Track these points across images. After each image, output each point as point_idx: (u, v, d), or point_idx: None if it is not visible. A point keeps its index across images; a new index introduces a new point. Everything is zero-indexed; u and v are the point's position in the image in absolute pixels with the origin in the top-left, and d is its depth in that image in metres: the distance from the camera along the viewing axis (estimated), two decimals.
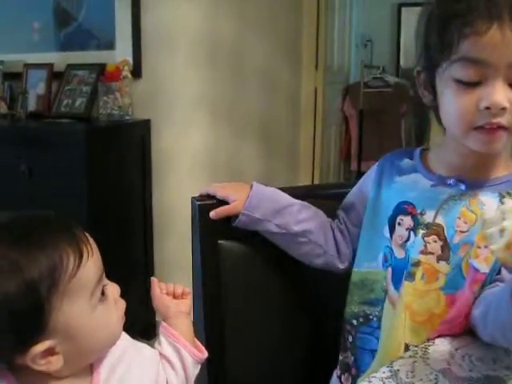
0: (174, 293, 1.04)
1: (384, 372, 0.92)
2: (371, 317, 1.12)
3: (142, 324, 2.46)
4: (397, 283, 1.08)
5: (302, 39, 3.62)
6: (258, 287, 1.24)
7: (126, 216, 2.83)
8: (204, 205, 1.18)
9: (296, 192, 1.23)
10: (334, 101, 4.39)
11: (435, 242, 1.05)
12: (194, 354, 0.98)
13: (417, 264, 1.06)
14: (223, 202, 1.19)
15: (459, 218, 1.03)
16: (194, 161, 2.91)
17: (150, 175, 2.91)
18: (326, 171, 4.18)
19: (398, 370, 0.92)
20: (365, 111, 4.50)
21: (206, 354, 1.01)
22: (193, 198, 1.20)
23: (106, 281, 0.86)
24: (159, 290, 1.04)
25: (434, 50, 1.01)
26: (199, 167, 2.92)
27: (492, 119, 0.96)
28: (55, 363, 0.80)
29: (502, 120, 0.96)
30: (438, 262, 1.05)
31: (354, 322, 1.14)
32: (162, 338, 0.98)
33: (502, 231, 0.78)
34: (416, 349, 0.99)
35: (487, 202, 1.03)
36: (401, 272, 1.07)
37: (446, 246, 1.04)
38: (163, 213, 2.95)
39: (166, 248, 2.98)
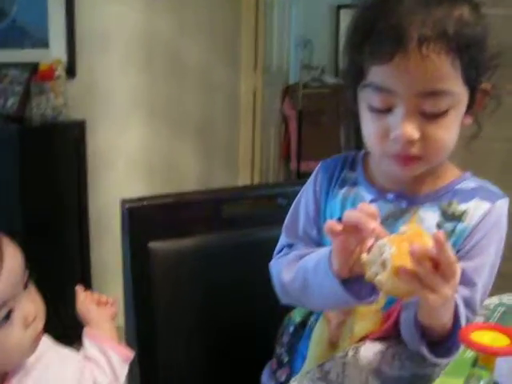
0: (99, 301, 1.03)
1: (314, 373, 0.92)
2: (306, 325, 1.12)
3: (79, 330, 2.41)
4: None
5: (240, 39, 3.62)
6: (187, 287, 1.24)
7: (62, 218, 2.77)
8: (133, 207, 1.17)
9: (235, 192, 1.22)
10: (273, 101, 4.40)
11: None
12: (121, 353, 0.97)
13: None
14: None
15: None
16: (131, 161, 2.87)
17: (85, 176, 2.86)
18: (266, 171, 4.19)
19: (329, 372, 0.92)
20: (304, 112, 4.52)
21: (132, 354, 1.00)
22: (122, 200, 1.18)
23: (18, 302, 0.82)
24: (83, 297, 1.02)
25: (350, 71, 0.99)
26: (136, 168, 2.89)
27: (399, 150, 0.93)
28: None
29: (414, 150, 0.93)
30: None
31: (291, 328, 1.15)
32: (85, 342, 0.97)
33: (383, 264, 0.79)
34: (347, 350, 0.99)
35: (427, 217, 1.00)
36: None
37: None
38: (100, 215, 2.90)
39: (102, 250, 2.92)
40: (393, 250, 0.78)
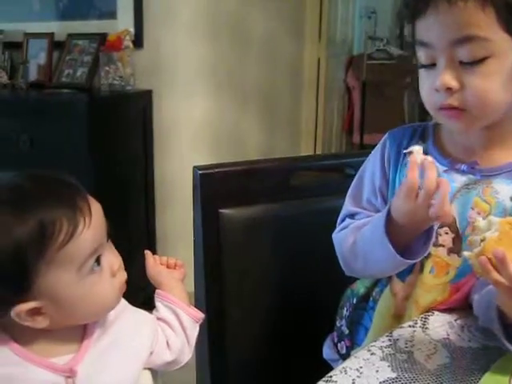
0: (168, 264, 1.05)
1: (383, 341, 0.92)
2: (369, 297, 1.13)
3: (144, 294, 2.47)
4: (402, 273, 1.05)
5: (305, 10, 3.58)
6: (258, 255, 1.25)
7: (128, 187, 2.83)
8: (205, 174, 1.18)
9: (304, 161, 1.23)
10: (336, 73, 4.36)
11: (447, 233, 1.01)
12: (192, 315, 0.99)
13: (426, 256, 1.01)
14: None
15: (472, 208, 0.99)
16: (196, 131, 2.90)
17: (152, 146, 2.91)
18: (328, 143, 4.17)
19: (398, 340, 0.92)
20: (368, 83, 4.47)
21: (202, 314, 1.01)
22: (194, 167, 1.20)
23: (104, 251, 0.85)
24: (152, 261, 1.04)
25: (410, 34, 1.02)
26: (201, 137, 2.91)
27: (443, 101, 0.95)
28: (40, 322, 0.80)
29: (453, 101, 0.94)
30: (448, 254, 1.02)
31: (354, 300, 1.15)
32: (158, 304, 0.99)
33: (482, 241, 0.79)
34: (416, 319, 0.99)
35: (501, 189, 0.98)
36: None
37: (457, 239, 1.01)
38: (165, 183, 2.95)
39: (167, 218, 2.98)
40: (495, 234, 0.78)
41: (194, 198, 1.20)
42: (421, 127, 1.11)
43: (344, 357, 1.16)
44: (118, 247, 0.89)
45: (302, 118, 3.69)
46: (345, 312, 1.18)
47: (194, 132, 2.90)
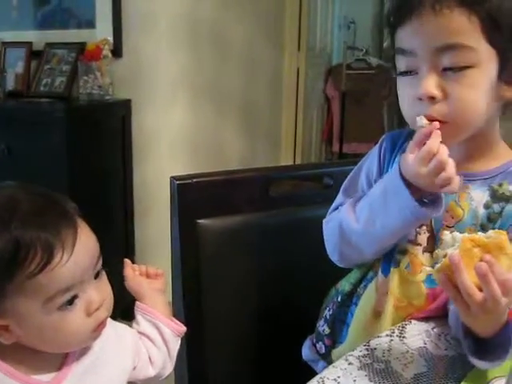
0: (147, 273, 1.02)
1: (361, 350, 0.93)
2: (354, 293, 1.13)
3: (123, 305, 2.46)
4: (385, 268, 1.06)
5: (284, 20, 3.60)
6: (236, 264, 1.25)
7: (107, 196, 2.82)
8: (183, 184, 1.18)
9: (282, 171, 1.23)
10: (316, 82, 4.39)
11: (424, 233, 1.03)
12: (174, 328, 0.98)
13: (403, 252, 1.04)
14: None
15: (447, 211, 1.00)
16: (175, 140, 2.90)
17: (131, 155, 2.90)
18: (308, 152, 4.18)
19: (375, 349, 0.93)
20: (347, 93, 4.50)
21: (184, 328, 1.00)
22: (172, 177, 1.20)
23: (85, 289, 0.80)
24: (132, 271, 1.01)
25: (390, 45, 1.03)
26: (180, 147, 2.91)
27: (425, 111, 0.95)
28: (6, 339, 0.78)
29: (434, 112, 0.94)
30: (423, 253, 1.03)
31: (338, 298, 1.15)
32: (138, 317, 0.97)
33: (444, 256, 0.80)
34: (393, 328, 1.00)
35: (476, 196, 1.00)
36: (390, 257, 1.06)
37: (432, 239, 1.03)
38: (144, 192, 2.94)
39: (146, 228, 2.97)
40: (456, 251, 0.78)
41: (172, 208, 1.19)
42: (410, 132, 1.10)
43: (324, 356, 1.17)
44: None
45: (281, 127, 3.70)
46: (326, 312, 1.18)
47: (173, 141, 2.89)
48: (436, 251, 0.85)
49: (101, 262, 0.84)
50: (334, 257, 1.12)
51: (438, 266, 0.80)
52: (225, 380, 1.28)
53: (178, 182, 1.18)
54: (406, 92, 0.99)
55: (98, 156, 2.73)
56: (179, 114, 2.88)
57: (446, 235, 0.83)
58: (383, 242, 1.04)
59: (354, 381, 0.84)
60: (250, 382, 1.30)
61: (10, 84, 2.98)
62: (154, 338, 0.96)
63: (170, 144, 2.89)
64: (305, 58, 3.78)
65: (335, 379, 0.84)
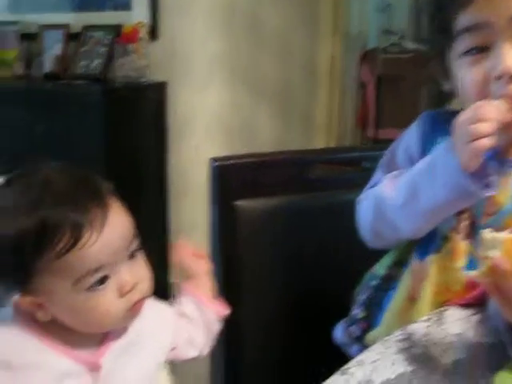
0: (196, 254, 1.02)
1: (398, 335, 0.92)
2: (391, 277, 1.12)
3: (157, 285, 2.48)
4: (422, 253, 1.05)
5: (319, 4, 3.56)
6: (271, 245, 1.25)
7: (142, 178, 2.84)
8: (222, 165, 1.18)
9: (321, 154, 1.22)
10: (351, 67, 4.34)
11: (466, 220, 1.00)
12: (216, 311, 0.98)
13: (443, 239, 1.02)
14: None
15: (488, 199, 0.96)
16: (211, 123, 2.90)
17: (166, 138, 2.91)
18: (342, 138, 4.14)
19: (413, 334, 0.92)
20: (383, 78, 4.45)
21: (226, 311, 1.01)
22: (211, 158, 1.20)
23: (117, 270, 0.81)
24: (182, 250, 1.01)
25: (437, 32, 0.97)
26: (215, 129, 2.91)
27: (502, 90, 0.87)
28: (41, 317, 0.80)
29: None
30: (464, 240, 1.01)
31: (374, 282, 1.15)
32: (182, 298, 0.98)
33: (486, 258, 0.76)
34: (431, 314, 0.99)
35: None
36: (428, 243, 1.04)
37: (473, 226, 1.00)
38: (179, 175, 2.95)
39: (182, 211, 2.98)
40: (499, 254, 0.75)
41: (210, 189, 1.19)
42: (451, 113, 1.05)
43: (357, 340, 1.16)
44: None
45: (316, 112, 3.67)
46: (361, 296, 1.17)
47: (207, 124, 2.90)
48: (479, 252, 0.80)
49: (136, 243, 0.85)
50: (366, 236, 1.10)
51: (481, 269, 0.77)
52: (258, 359, 1.28)
53: (216, 164, 1.18)
54: (473, 73, 0.91)
55: (133, 138, 2.75)
56: (215, 97, 2.87)
57: (487, 234, 0.79)
58: (424, 218, 1.00)
59: (393, 364, 0.83)
60: (283, 360, 1.30)
61: (48, 66, 3.00)
62: (196, 320, 0.96)
63: (206, 126, 2.89)
64: (340, 41, 3.73)
65: (373, 362, 0.84)
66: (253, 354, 1.26)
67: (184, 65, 2.84)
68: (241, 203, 1.19)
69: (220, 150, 2.88)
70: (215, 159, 1.19)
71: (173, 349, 0.93)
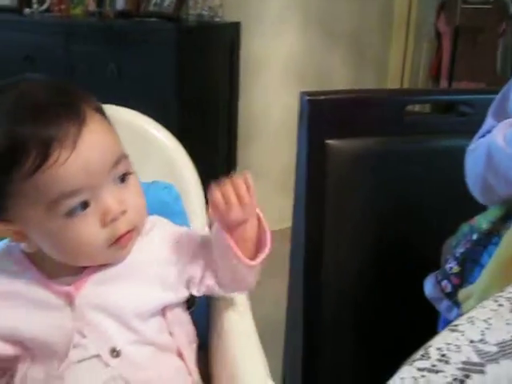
0: (238, 195, 0.79)
1: (511, 291, 0.85)
2: (494, 232, 1.04)
3: None
4: None
5: None
6: (362, 189, 1.18)
7: (212, 119, 2.80)
8: (313, 100, 1.11)
9: (413, 95, 1.14)
10: (428, 15, 4.18)
11: None
12: (244, 262, 0.80)
13: None
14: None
15: None
16: (283, 65, 2.84)
17: (237, 78, 2.85)
18: (414, 86, 4.02)
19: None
20: (460, 29, 4.26)
21: (255, 263, 0.81)
22: (302, 92, 1.13)
23: (101, 194, 0.72)
24: (219, 196, 0.78)
25: None
26: (286, 73, 2.84)
27: None
28: (28, 246, 0.76)
29: None
30: None
31: (474, 236, 1.07)
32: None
33: None
34: None
35: None
36: None
37: None
38: (249, 117, 2.90)
39: (250, 155, 2.95)
40: None
41: (300, 126, 1.13)
42: None
43: (449, 296, 1.10)
44: None
45: (389, 58, 3.57)
46: (457, 249, 1.10)
47: (280, 67, 2.83)
48: None
49: (125, 165, 0.75)
50: (475, 191, 1.02)
51: None
52: (339, 304, 1.23)
53: (308, 98, 1.11)
54: None
55: (205, 77, 2.71)
56: (288, 39, 2.80)
57: None
58: None
59: (508, 324, 0.77)
60: (365, 309, 1.25)
61: (120, 3, 2.97)
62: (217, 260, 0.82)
63: (278, 69, 2.83)
64: None
65: (486, 320, 0.78)
66: (332, 297, 1.20)
67: (258, 5, 2.77)
68: (332, 142, 1.11)
69: (290, 93, 2.80)
70: (306, 93, 1.11)
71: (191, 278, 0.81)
